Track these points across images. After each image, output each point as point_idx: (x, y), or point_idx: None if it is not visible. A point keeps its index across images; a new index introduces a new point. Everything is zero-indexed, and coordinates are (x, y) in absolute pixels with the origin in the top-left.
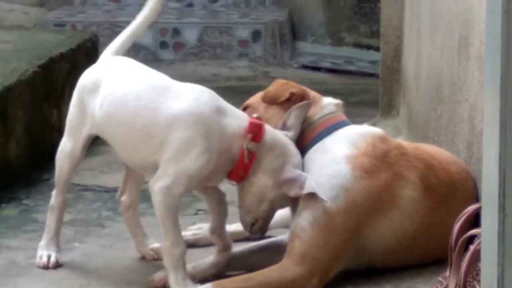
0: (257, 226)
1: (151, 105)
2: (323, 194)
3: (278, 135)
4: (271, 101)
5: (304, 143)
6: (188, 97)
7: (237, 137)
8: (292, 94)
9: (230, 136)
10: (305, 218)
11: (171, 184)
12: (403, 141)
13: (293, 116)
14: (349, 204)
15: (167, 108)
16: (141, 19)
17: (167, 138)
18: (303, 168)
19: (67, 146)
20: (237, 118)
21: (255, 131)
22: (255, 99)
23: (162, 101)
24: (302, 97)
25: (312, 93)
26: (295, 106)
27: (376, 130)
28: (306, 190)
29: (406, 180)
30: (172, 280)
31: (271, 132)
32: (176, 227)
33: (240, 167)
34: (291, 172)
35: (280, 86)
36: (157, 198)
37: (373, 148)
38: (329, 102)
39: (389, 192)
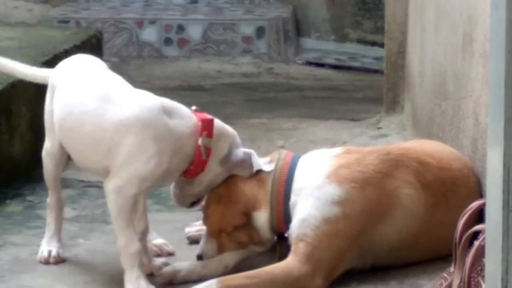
0: (198, 203)
1: (96, 112)
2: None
3: (218, 122)
4: None
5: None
6: (133, 103)
7: (187, 136)
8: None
9: (179, 136)
10: (307, 226)
11: (124, 184)
12: (388, 145)
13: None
14: (347, 212)
15: (112, 115)
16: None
17: (117, 144)
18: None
19: (47, 145)
20: (182, 118)
21: (209, 128)
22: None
23: (107, 108)
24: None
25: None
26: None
27: (334, 149)
28: (256, 168)
29: (399, 180)
30: (126, 279)
31: (216, 122)
32: (129, 226)
33: (198, 165)
34: (238, 154)
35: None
36: (110, 197)
37: (344, 160)
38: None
39: (385, 195)
